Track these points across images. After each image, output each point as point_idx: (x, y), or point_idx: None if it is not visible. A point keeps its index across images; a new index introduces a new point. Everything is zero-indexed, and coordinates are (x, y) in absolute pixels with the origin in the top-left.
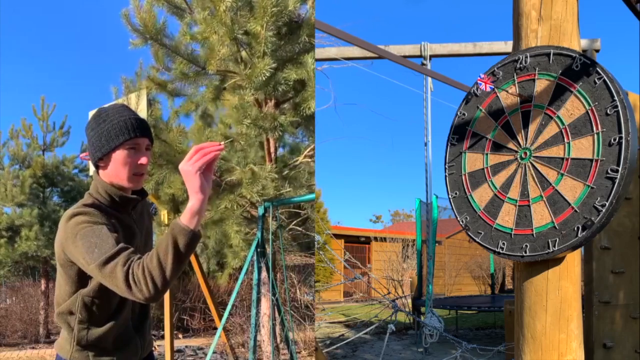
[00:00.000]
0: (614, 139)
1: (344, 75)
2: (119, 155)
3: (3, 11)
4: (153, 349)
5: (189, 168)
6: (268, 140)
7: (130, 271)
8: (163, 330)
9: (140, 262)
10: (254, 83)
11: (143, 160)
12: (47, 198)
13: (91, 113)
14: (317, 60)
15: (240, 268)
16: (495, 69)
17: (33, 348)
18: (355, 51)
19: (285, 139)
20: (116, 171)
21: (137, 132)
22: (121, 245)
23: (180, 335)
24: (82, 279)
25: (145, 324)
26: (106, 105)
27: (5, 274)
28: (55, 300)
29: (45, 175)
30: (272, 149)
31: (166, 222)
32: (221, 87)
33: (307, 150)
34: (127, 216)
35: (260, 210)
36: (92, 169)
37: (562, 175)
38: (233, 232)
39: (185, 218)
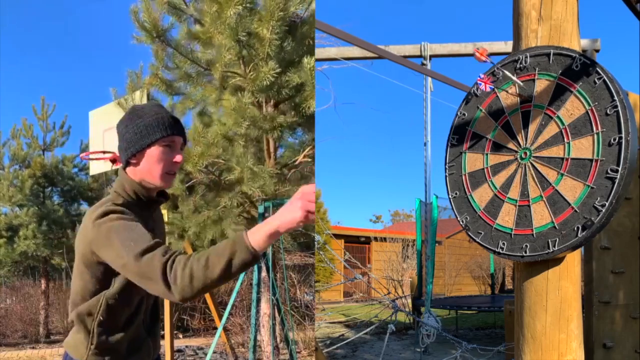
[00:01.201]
0: (614, 139)
1: (344, 75)
2: (154, 152)
3: (3, 11)
4: None
5: (300, 204)
6: (268, 140)
7: (169, 263)
8: (163, 330)
9: (183, 258)
10: (258, 87)
11: (178, 158)
12: (47, 198)
13: (91, 113)
14: (317, 60)
15: None
16: (495, 69)
17: (33, 348)
18: (355, 51)
19: (285, 138)
20: (150, 168)
21: (174, 129)
22: (157, 240)
23: (180, 335)
24: (107, 279)
25: (157, 326)
26: (140, 104)
27: (5, 274)
28: (72, 301)
29: (45, 175)
30: (272, 150)
31: (165, 220)
32: (222, 87)
33: (307, 150)
34: (149, 218)
35: (260, 210)
36: (94, 167)
37: (562, 175)
38: (230, 230)
39: (255, 238)
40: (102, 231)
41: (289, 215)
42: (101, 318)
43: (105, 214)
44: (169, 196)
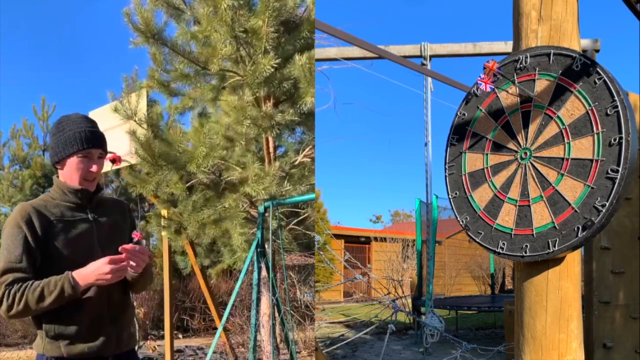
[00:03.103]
0: (614, 139)
1: (343, 75)
2: (73, 162)
3: (3, 11)
4: (151, 350)
5: (106, 269)
6: (267, 139)
7: (9, 288)
8: (163, 330)
9: (22, 285)
10: (258, 79)
11: (94, 168)
12: None
13: (91, 114)
14: (317, 60)
15: (240, 268)
16: (496, 69)
17: (33, 348)
18: (355, 51)
19: (285, 138)
20: (70, 174)
21: (90, 144)
22: (20, 265)
23: (180, 335)
24: (40, 271)
25: (124, 317)
26: (67, 116)
27: None
28: None
29: (45, 176)
30: (271, 149)
31: (165, 215)
32: (220, 86)
33: (307, 150)
34: (79, 210)
35: (260, 209)
36: None
37: (562, 175)
38: (237, 233)
39: (79, 277)
40: (7, 222)
41: (97, 273)
42: None
43: (19, 206)
44: (102, 187)
